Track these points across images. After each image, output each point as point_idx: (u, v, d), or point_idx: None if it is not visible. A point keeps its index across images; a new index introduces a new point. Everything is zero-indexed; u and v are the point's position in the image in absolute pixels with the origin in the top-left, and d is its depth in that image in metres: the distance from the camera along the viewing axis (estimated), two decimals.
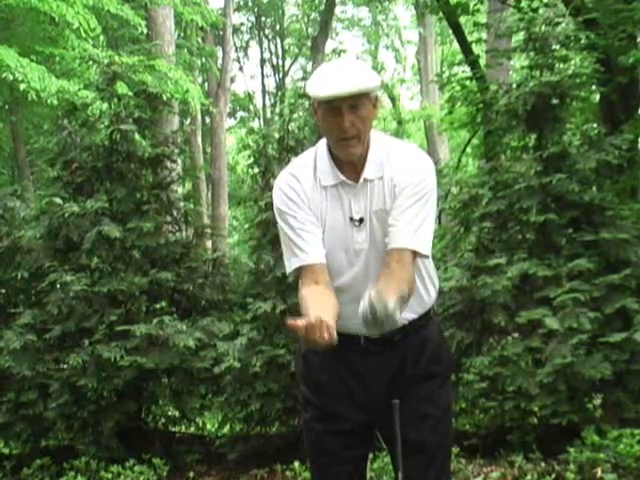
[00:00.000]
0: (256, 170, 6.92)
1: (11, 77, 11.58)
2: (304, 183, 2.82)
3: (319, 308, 2.59)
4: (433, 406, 2.88)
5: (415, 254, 2.75)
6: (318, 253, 2.78)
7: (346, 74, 2.69)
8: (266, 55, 31.93)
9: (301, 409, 3.05)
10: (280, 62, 31.92)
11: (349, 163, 2.79)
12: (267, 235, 6.51)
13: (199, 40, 22.16)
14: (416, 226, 2.74)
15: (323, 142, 2.86)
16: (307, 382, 2.96)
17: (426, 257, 2.80)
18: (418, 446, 2.83)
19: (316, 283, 2.75)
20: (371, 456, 5.63)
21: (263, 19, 31.32)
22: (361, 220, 2.79)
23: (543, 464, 5.65)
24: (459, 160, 13.27)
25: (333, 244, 2.81)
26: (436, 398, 2.89)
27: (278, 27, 31.63)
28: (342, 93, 2.66)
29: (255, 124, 30.27)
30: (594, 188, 6.58)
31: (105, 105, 7.28)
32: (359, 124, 2.72)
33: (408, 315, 2.83)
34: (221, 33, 23.32)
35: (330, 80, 2.69)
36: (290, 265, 2.83)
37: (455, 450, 5.73)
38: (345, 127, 2.70)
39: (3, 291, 7.10)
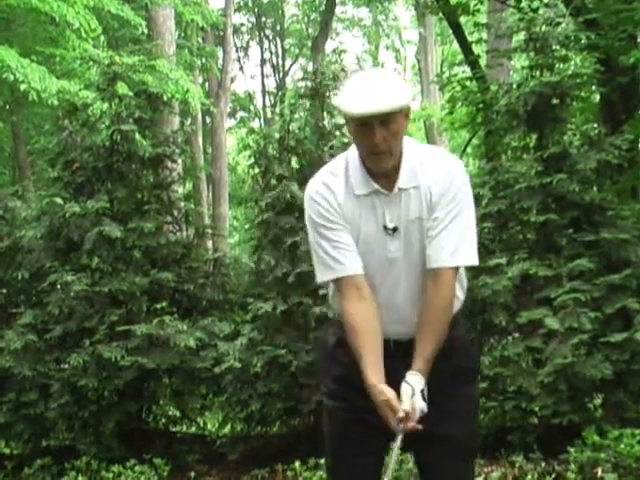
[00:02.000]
0: (257, 170, 6.92)
1: (12, 77, 11.59)
2: (337, 192, 2.82)
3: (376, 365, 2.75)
4: (461, 401, 2.91)
5: (457, 267, 2.83)
6: (356, 264, 2.81)
7: (378, 91, 2.68)
8: (266, 55, 31.97)
9: (324, 399, 3.03)
10: (280, 62, 31.94)
11: (383, 172, 2.79)
12: (268, 235, 6.51)
13: (199, 40, 22.17)
14: (457, 240, 2.79)
15: (354, 150, 2.84)
16: (333, 375, 2.96)
17: (474, 265, 2.86)
18: (445, 440, 2.86)
19: (360, 297, 2.80)
20: None
21: (263, 19, 31.33)
22: (395, 229, 2.80)
23: (544, 464, 5.65)
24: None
25: (366, 252, 2.82)
26: (465, 394, 2.93)
27: (278, 27, 31.64)
28: (374, 112, 2.65)
29: (255, 124, 30.31)
30: (594, 188, 6.58)
31: (106, 105, 7.28)
32: (390, 139, 2.71)
33: None
34: (221, 33, 23.33)
35: (362, 97, 2.67)
36: (321, 276, 2.88)
37: None
38: (377, 142, 2.70)
39: (4, 291, 7.10)
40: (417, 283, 2.84)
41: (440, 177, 2.78)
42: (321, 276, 2.88)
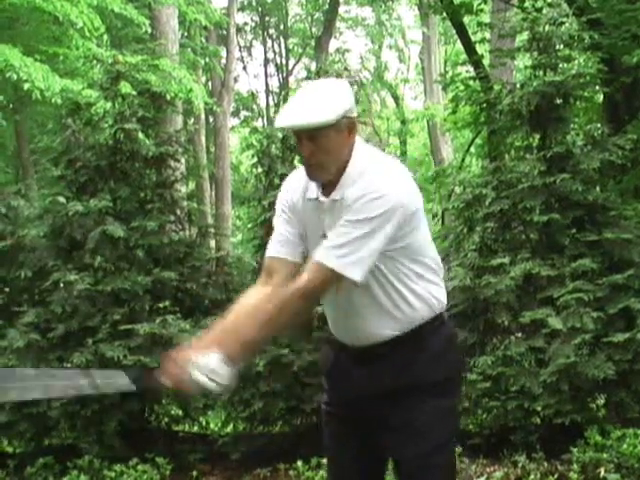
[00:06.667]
0: (259, 169, 6.93)
1: (15, 76, 11.60)
2: (297, 188, 2.88)
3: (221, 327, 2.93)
4: (416, 418, 2.80)
5: (333, 272, 2.66)
6: (276, 249, 2.91)
7: (303, 106, 2.69)
8: (270, 55, 31.92)
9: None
10: (284, 62, 31.90)
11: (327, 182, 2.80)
12: (270, 234, 6.50)
13: (203, 39, 22.19)
14: (338, 243, 2.67)
15: None
16: (322, 369, 3.09)
17: (352, 281, 2.67)
18: (398, 455, 2.85)
19: (265, 282, 2.92)
20: None
21: (267, 19, 31.31)
22: None
23: (546, 464, 5.66)
24: (463, 160, 13.32)
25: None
26: (420, 411, 2.80)
27: (282, 27, 31.61)
28: (290, 126, 2.73)
29: (259, 123, 30.30)
30: (598, 188, 6.59)
31: (109, 104, 7.29)
32: (319, 154, 2.71)
33: (385, 332, 2.81)
34: (225, 32, 23.31)
35: (288, 111, 2.71)
36: None
37: (458, 450, 5.73)
38: (305, 156, 2.75)
39: (7, 290, 7.10)
40: (353, 296, 2.78)
41: (358, 191, 2.68)
42: None
